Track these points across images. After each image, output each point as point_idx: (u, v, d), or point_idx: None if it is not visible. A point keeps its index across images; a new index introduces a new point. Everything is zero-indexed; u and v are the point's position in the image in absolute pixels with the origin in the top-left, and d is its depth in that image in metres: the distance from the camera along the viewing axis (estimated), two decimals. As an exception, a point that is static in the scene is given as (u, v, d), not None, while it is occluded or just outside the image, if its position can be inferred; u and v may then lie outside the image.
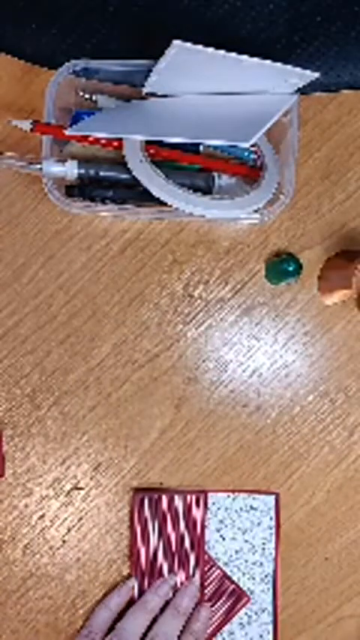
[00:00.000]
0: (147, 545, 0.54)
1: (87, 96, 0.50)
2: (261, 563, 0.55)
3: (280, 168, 0.49)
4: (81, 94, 0.50)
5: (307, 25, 0.50)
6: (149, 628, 0.53)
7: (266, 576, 0.55)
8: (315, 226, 0.55)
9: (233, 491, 0.55)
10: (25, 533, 0.55)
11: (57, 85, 0.47)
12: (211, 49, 0.42)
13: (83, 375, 0.55)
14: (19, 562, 0.55)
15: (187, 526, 0.54)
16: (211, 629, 0.54)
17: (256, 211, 0.47)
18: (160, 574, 0.54)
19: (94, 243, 0.54)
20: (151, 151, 0.48)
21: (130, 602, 0.54)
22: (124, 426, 0.55)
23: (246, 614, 0.55)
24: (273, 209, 0.47)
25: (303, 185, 0.54)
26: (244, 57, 0.43)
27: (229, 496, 0.55)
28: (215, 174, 0.50)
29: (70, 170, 0.47)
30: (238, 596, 0.55)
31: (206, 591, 0.55)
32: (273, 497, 0.55)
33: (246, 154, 0.50)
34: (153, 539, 0.54)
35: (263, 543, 0.55)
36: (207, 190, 0.49)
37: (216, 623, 0.55)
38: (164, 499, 0.54)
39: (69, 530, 0.55)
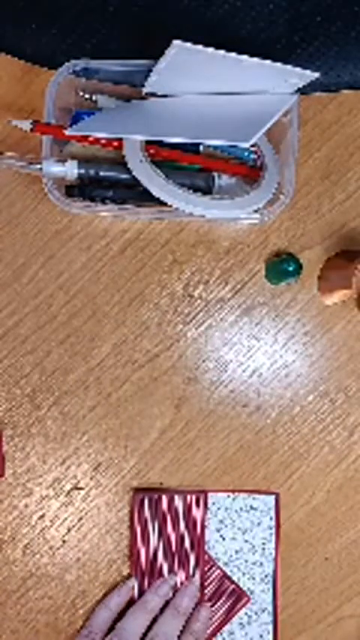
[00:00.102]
0: (147, 545, 0.54)
1: (87, 96, 0.50)
2: (261, 563, 0.55)
3: (280, 168, 0.49)
4: (81, 94, 0.50)
5: (307, 25, 0.50)
6: (149, 628, 0.53)
7: (266, 576, 0.55)
8: (315, 226, 0.55)
9: (233, 491, 0.55)
10: (25, 533, 0.55)
11: (57, 85, 0.47)
12: (211, 49, 0.42)
13: (83, 375, 0.55)
14: (19, 562, 0.55)
15: (187, 526, 0.54)
16: (211, 629, 0.54)
17: (256, 211, 0.47)
18: (160, 574, 0.54)
19: (94, 243, 0.54)
20: (151, 151, 0.48)
21: (130, 602, 0.54)
22: (124, 426, 0.55)
23: (246, 614, 0.55)
24: (273, 209, 0.47)
25: (303, 185, 0.54)
26: (244, 57, 0.43)
27: (229, 496, 0.55)
28: (215, 174, 0.50)
29: (70, 170, 0.47)
30: (238, 596, 0.55)
31: (206, 591, 0.55)
32: (273, 497, 0.55)
33: (246, 154, 0.50)
34: (153, 539, 0.54)
35: (263, 543, 0.55)
36: (207, 190, 0.49)
37: (216, 623, 0.55)
38: (164, 499, 0.54)
39: (69, 530, 0.55)
